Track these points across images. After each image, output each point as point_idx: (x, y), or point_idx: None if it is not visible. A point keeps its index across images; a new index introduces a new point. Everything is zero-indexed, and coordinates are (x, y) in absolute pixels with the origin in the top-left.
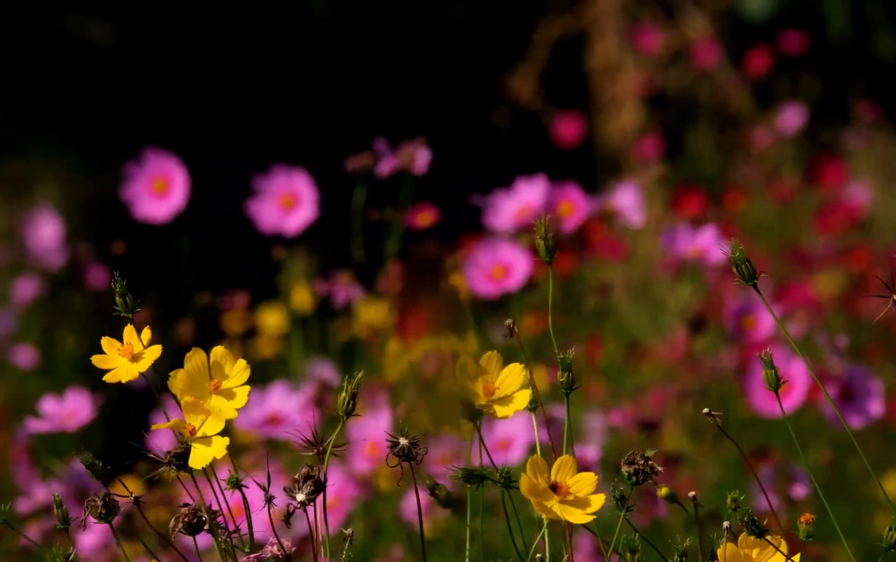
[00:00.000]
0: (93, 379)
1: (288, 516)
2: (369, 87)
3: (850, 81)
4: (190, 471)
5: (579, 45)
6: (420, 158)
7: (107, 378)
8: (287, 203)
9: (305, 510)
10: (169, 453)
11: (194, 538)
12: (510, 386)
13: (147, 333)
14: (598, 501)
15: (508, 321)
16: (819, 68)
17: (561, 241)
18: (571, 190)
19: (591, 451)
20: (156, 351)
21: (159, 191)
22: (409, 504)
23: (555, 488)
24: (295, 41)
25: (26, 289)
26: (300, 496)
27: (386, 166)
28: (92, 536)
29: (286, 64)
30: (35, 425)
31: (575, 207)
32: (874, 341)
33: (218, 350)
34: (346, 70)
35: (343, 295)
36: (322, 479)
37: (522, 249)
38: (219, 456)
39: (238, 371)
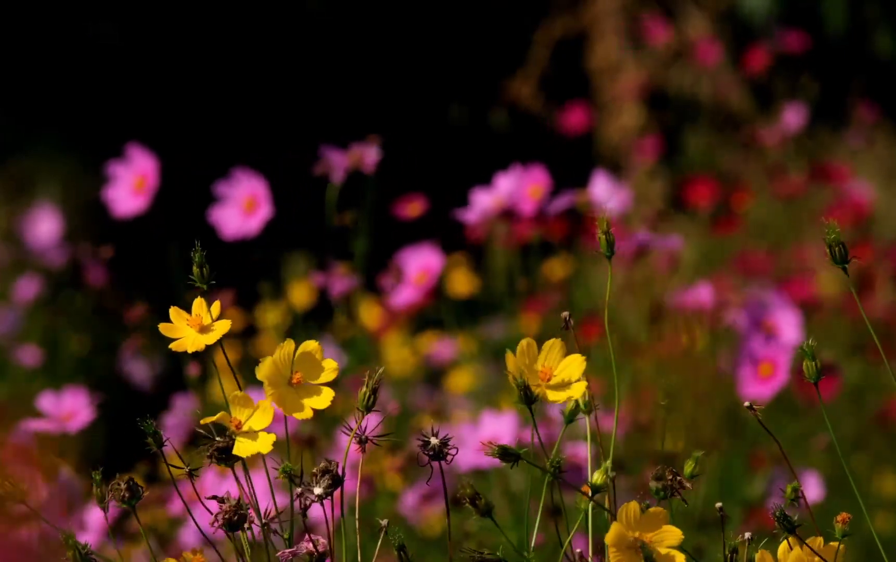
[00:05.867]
0: (95, 378)
1: (304, 510)
2: (368, 87)
3: (850, 80)
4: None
5: (579, 45)
6: (369, 157)
7: (172, 347)
8: (249, 207)
9: (322, 504)
10: (213, 444)
11: (231, 534)
12: (569, 375)
13: (217, 306)
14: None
15: (565, 314)
16: (818, 67)
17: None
18: (538, 173)
19: (582, 449)
20: (225, 325)
21: (138, 188)
22: (409, 501)
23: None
24: (293, 40)
25: (28, 288)
26: (318, 490)
27: (339, 171)
28: (90, 535)
29: (287, 64)
30: (34, 425)
31: (543, 189)
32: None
33: (310, 344)
34: (346, 69)
35: (340, 287)
36: (340, 473)
37: (437, 252)
38: (264, 451)
39: (327, 370)
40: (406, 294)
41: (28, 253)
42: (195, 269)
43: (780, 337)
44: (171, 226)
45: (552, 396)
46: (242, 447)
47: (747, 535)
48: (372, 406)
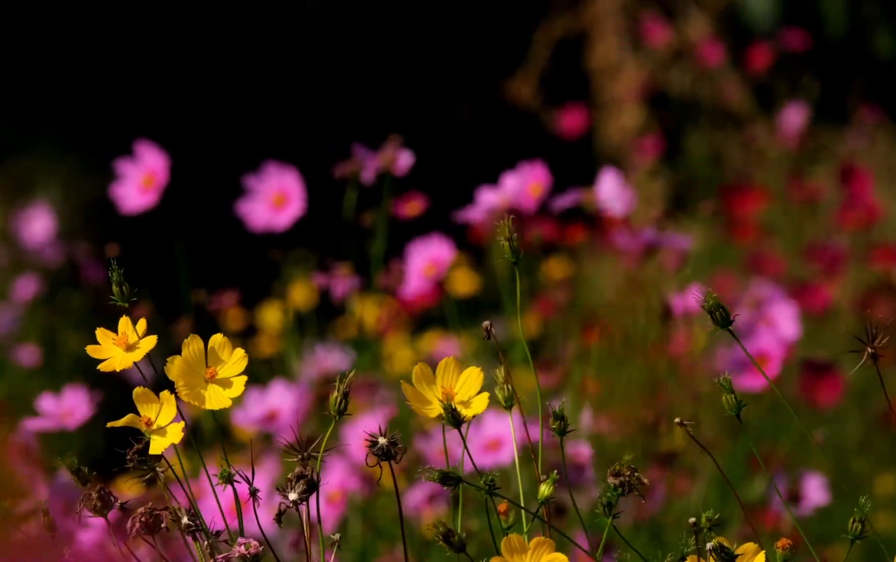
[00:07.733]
0: (94, 377)
1: (279, 515)
2: (368, 86)
3: (850, 80)
4: (174, 470)
5: (579, 45)
6: (401, 159)
7: (101, 367)
8: (278, 201)
9: (298, 509)
10: (132, 450)
11: (152, 538)
12: (468, 391)
13: (142, 323)
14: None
15: (486, 323)
16: (819, 67)
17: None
18: (538, 170)
19: (584, 449)
20: (150, 341)
21: (147, 185)
22: (411, 500)
23: None
24: (292, 40)
25: (26, 288)
26: (292, 495)
27: (369, 172)
28: (90, 533)
29: (286, 64)
30: (34, 424)
31: (543, 186)
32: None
33: (217, 338)
34: (346, 69)
35: (342, 287)
36: (315, 479)
37: (448, 243)
38: (176, 441)
39: (235, 360)
40: (414, 286)
41: (26, 252)
42: (115, 288)
43: (776, 331)
44: (175, 224)
45: (463, 412)
46: (157, 444)
47: (709, 546)
48: (344, 410)
